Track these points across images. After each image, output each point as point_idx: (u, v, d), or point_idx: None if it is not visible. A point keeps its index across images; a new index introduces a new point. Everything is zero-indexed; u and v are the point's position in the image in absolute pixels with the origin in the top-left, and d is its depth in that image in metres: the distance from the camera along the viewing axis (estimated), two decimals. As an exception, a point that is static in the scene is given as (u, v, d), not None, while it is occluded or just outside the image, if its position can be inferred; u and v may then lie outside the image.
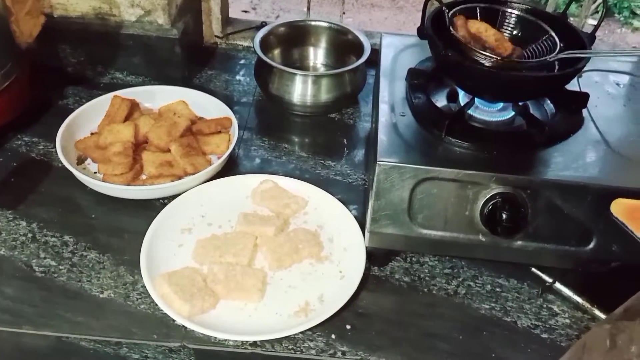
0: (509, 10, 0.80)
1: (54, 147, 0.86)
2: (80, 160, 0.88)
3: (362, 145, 0.97)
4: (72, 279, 0.74)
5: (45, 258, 0.76)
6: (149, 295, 0.70)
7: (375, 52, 0.97)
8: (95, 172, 0.86)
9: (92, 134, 0.92)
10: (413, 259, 0.79)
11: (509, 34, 0.81)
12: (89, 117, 0.93)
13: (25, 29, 0.94)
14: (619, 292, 0.73)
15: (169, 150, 0.87)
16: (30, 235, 0.79)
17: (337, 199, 0.84)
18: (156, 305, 0.70)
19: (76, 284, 0.73)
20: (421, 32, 0.77)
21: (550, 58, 0.72)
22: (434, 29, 0.75)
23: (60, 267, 0.75)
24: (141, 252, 0.74)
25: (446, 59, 0.72)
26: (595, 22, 0.76)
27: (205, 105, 0.97)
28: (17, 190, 0.85)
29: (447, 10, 0.72)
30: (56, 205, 0.83)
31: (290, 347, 0.68)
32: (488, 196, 0.68)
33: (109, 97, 0.94)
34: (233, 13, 1.25)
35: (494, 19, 0.80)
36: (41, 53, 1.01)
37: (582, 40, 0.75)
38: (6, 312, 0.69)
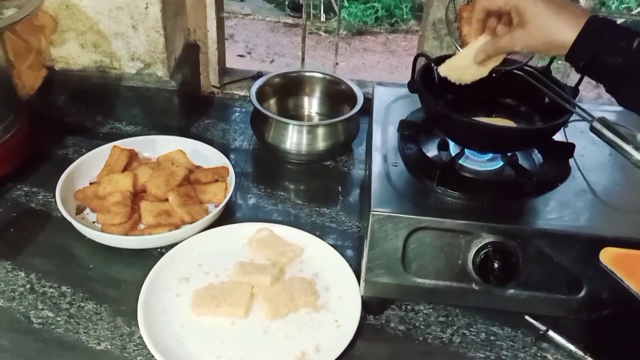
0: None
1: (54, 197, 0.87)
2: (79, 210, 0.90)
3: (356, 192, 0.99)
4: (69, 331, 0.74)
5: (43, 309, 0.76)
6: (146, 346, 0.71)
7: (368, 101, 1.00)
8: (93, 222, 0.87)
9: (91, 183, 0.94)
10: (408, 307, 0.80)
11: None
12: (89, 167, 0.95)
13: (27, 82, 0.97)
14: (610, 339, 0.75)
15: (166, 200, 0.89)
16: (28, 286, 0.79)
17: (332, 246, 0.85)
18: (152, 357, 0.70)
19: (73, 336, 0.73)
20: (412, 86, 0.80)
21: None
22: (423, 83, 0.78)
23: (58, 318, 0.75)
24: (138, 303, 0.75)
25: (436, 112, 0.74)
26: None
27: (203, 154, 0.99)
28: (16, 241, 0.86)
29: (435, 67, 0.75)
30: (54, 255, 0.84)
31: (286, 398, 0.68)
32: (480, 245, 0.70)
33: (108, 147, 0.96)
34: (229, 57, 1.28)
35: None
36: (42, 104, 1.04)
37: (567, 94, 0.77)
38: (3, 366, 0.70)
